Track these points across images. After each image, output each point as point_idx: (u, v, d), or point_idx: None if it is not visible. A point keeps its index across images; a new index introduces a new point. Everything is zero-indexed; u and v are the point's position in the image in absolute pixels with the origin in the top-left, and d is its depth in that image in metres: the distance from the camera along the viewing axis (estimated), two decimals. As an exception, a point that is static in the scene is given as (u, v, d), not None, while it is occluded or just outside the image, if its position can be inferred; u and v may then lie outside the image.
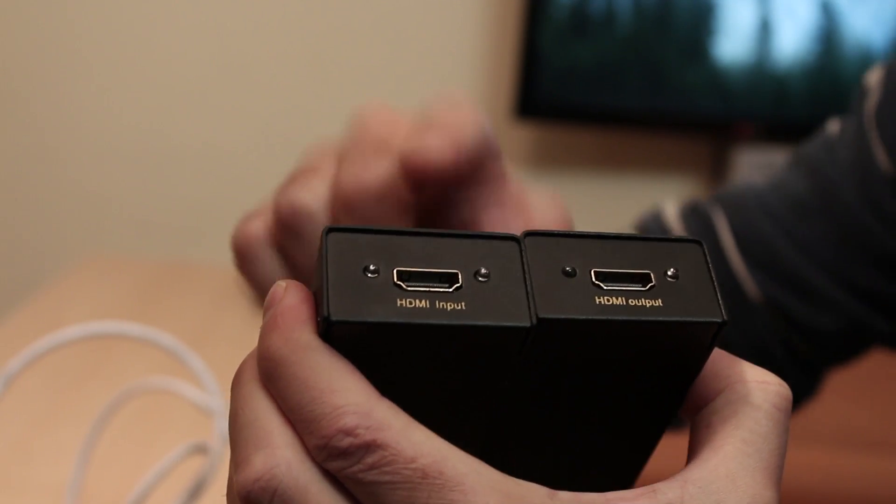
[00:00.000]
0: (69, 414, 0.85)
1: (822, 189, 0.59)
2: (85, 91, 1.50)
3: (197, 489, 0.56)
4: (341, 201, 0.33)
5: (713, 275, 0.27)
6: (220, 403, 0.56)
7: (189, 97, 1.50)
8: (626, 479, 0.30)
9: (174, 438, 0.71)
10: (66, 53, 1.48)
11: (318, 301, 0.25)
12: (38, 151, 1.53)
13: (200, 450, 0.56)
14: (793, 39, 1.31)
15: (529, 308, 0.25)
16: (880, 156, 0.57)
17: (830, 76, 1.31)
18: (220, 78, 1.49)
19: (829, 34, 1.30)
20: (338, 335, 0.24)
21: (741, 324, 0.60)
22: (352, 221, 0.33)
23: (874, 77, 0.60)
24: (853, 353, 0.62)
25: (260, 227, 0.37)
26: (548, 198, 0.36)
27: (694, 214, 0.63)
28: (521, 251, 0.26)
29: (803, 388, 0.63)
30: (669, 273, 0.26)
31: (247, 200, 1.53)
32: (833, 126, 0.62)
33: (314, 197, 0.35)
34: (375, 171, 0.34)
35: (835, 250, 0.58)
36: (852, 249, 0.58)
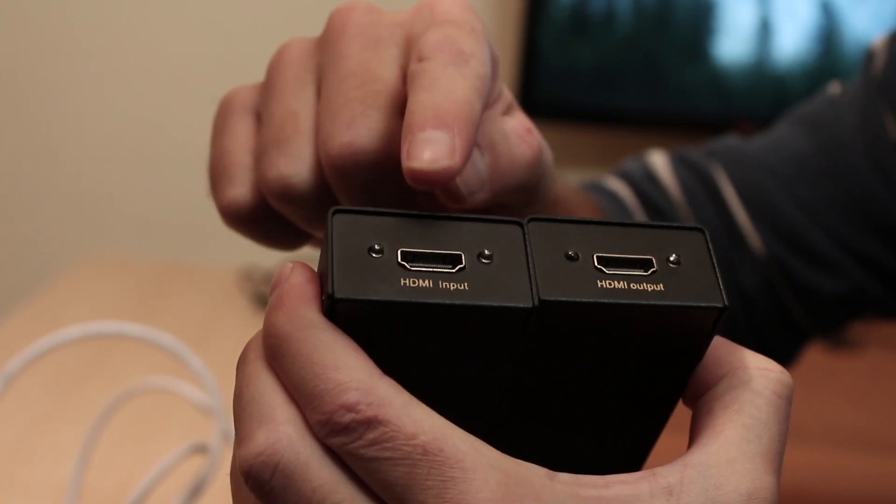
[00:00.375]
0: (69, 414, 0.85)
1: (828, 149, 0.58)
2: (85, 91, 1.50)
3: (197, 489, 0.56)
4: (332, 169, 0.31)
5: (715, 261, 0.27)
6: (219, 403, 0.56)
7: (190, 97, 1.50)
8: (631, 463, 0.30)
9: (174, 438, 0.71)
10: (66, 53, 1.48)
11: (323, 280, 0.25)
12: (38, 151, 1.52)
13: (200, 450, 0.56)
14: (793, 39, 1.31)
15: (532, 290, 0.25)
16: (889, 123, 0.56)
17: (830, 76, 1.31)
18: (220, 77, 1.49)
19: (829, 34, 1.30)
20: (342, 313, 0.25)
21: (738, 275, 0.59)
22: (346, 188, 0.32)
23: (880, 42, 0.60)
24: (845, 321, 0.62)
25: (247, 196, 0.34)
26: (517, 136, 0.33)
27: (686, 166, 0.61)
28: (524, 235, 0.26)
29: (783, 355, 0.62)
30: (671, 259, 0.27)
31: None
32: (834, 88, 0.62)
33: (302, 169, 0.32)
34: (367, 133, 0.31)
35: (839, 214, 0.57)
36: (857, 215, 0.57)
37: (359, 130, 0.31)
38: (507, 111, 0.35)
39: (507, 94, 0.36)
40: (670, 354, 0.27)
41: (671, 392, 0.29)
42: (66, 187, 1.53)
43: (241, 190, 0.34)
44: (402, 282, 0.25)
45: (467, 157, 0.28)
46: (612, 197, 0.60)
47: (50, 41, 1.48)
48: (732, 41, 1.32)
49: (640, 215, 0.60)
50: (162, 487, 0.57)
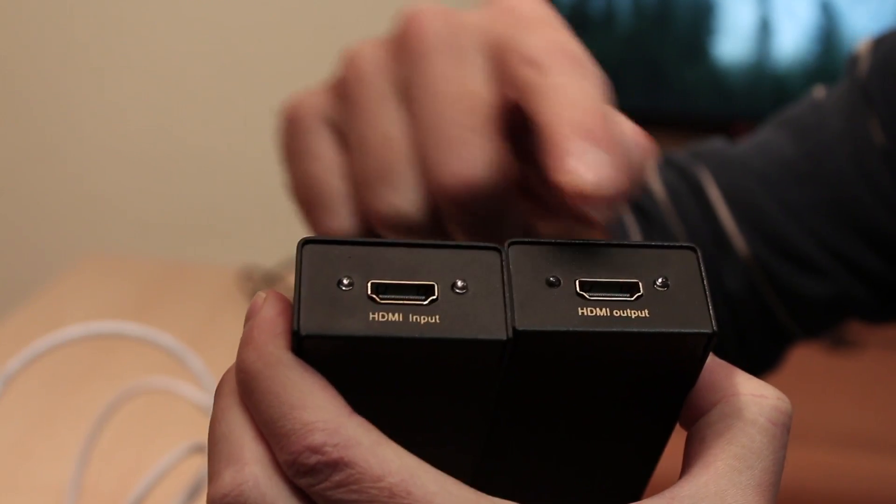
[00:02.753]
0: (69, 414, 0.85)
1: (813, 154, 0.58)
2: (85, 91, 1.50)
3: (197, 489, 0.56)
4: (447, 201, 0.30)
5: (706, 283, 0.26)
6: (219, 403, 0.56)
7: (189, 97, 1.50)
8: (627, 493, 0.29)
9: (174, 438, 0.71)
10: (66, 53, 1.48)
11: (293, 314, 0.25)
12: (38, 151, 1.52)
13: (200, 450, 0.56)
14: (793, 39, 1.31)
15: (506, 321, 0.24)
16: (874, 127, 0.56)
17: (830, 76, 1.31)
18: (220, 78, 1.49)
19: (829, 34, 1.30)
20: (309, 349, 0.24)
21: (722, 277, 0.58)
22: (461, 218, 0.30)
23: (863, 47, 0.60)
24: (830, 324, 0.61)
25: (349, 226, 0.33)
26: (635, 143, 0.30)
27: (672, 168, 0.60)
28: (502, 261, 0.25)
29: (767, 358, 0.61)
30: (659, 282, 0.25)
31: (246, 200, 1.54)
32: (819, 92, 0.62)
33: (414, 200, 0.31)
34: (479, 162, 0.29)
35: (825, 218, 0.57)
36: (842, 219, 0.57)
37: (470, 159, 0.29)
38: None
39: None
40: (660, 381, 0.26)
41: (665, 419, 0.28)
42: (66, 187, 1.53)
43: (343, 221, 0.33)
44: (371, 316, 0.24)
45: (626, 179, 0.26)
46: None
47: (50, 41, 1.48)
48: (732, 41, 1.32)
49: (626, 217, 0.59)
50: (162, 487, 0.57)
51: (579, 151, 0.26)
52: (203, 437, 0.56)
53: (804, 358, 0.64)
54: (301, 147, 0.34)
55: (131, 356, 0.90)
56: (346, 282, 0.24)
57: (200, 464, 0.56)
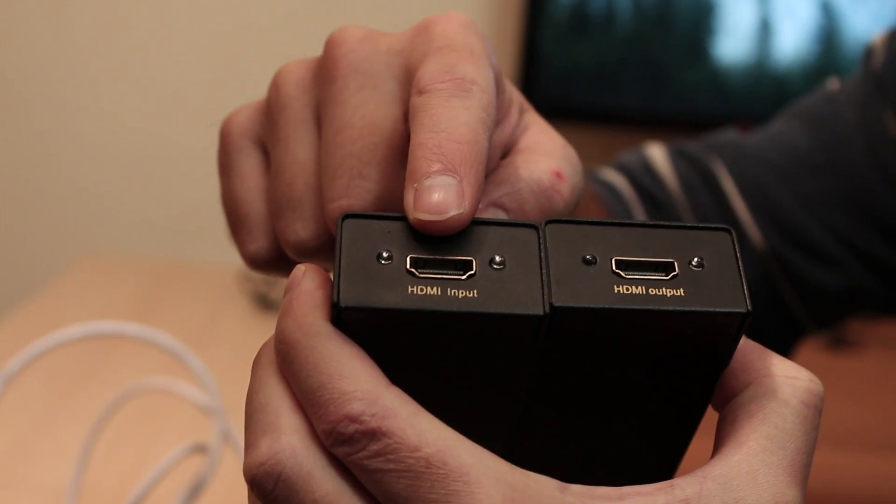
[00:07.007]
0: (69, 414, 0.85)
1: (827, 145, 0.58)
2: (85, 91, 1.50)
3: (197, 489, 0.56)
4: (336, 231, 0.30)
5: (741, 263, 0.26)
6: (219, 403, 0.56)
7: (189, 97, 1.50)
8: (659, 473, 0.29)
9: (174, 438, 0.71)
10: (66, 53, 1.48)
11: (332, 287, 0.25)
12: (37, 151, 1.52)
13: (200, 450, 0.56)
14: (793, 39, 1.31)
15: (543, 296, 0.25)
16: (888, 119, 0.56)
17: (830, 76, 1.31)
18: (220, 78, 1.49)
19: (829, 34, 1.30)
20: (348, 321, 0.24)
21: None
22: None
23: (879, 39, 0.60)
24: (843, 316, 0.61)
25: (268, 249, 0.34)
26: (547, 187, 0.31)
27: (685, 159, 0.61)
28: (539, 238, 0.26)
29: (777, 347, 0.61)
30: (694, 262, 0.26)
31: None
32: (833, 84, 0.62)
33: (318, 231, 0.31)
34: (365, 195, 0.30)
35: (839, 209, 0.57)
36: (856, 210, 0.57)
37: (357, 193, 0.30)
38: (521, 115, 0.34)
39: (517, 98, 0.34)
40: (694, 360, 0.26)
41: (698, 398, 0.28)
42: (65, 187, 1.53)
43: (261, 243, 0.34)
44: (410, 289, 0.24)
45: (477, 201, 0.27)
46: (610, 188, 0.60)
47: (50, 41, 1.48)
48: (732, 41, 1.32)
49: (637, 207, 0.59)
50: (162, 487, 0.57)
51: (428, 184, 0.26)
52: (203, 437, 0.56)
53: (804, 358, 0.63)
54: (230, 165, 0.34)
55: (131, 356, 0.90)
56: (385, 255, 0.25)
57: (200, 464, 0.56)
